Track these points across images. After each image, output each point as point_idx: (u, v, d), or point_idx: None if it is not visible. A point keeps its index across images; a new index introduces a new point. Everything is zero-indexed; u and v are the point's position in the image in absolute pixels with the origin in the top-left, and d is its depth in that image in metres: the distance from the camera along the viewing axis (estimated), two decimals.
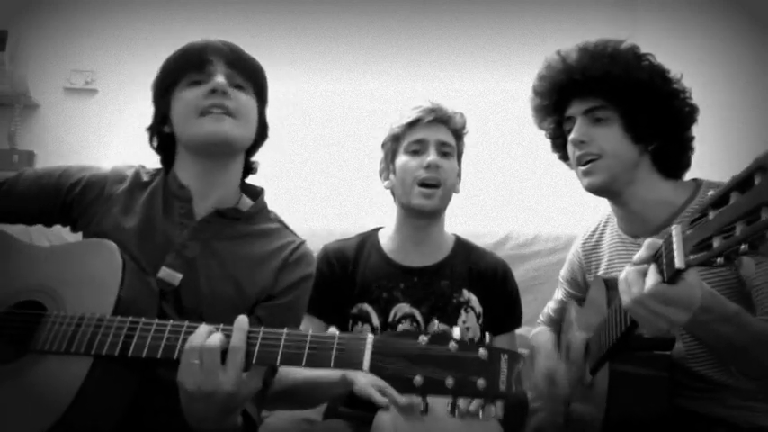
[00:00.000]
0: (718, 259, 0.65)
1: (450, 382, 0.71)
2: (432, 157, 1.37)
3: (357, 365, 0.76)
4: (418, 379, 0.72)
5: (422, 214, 1.40)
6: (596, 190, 1.21)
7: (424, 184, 1.37)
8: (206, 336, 0.82)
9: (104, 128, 2.52)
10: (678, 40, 2.21)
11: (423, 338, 0.74)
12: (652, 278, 0.80)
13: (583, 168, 1.21)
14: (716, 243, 0.65)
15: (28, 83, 2.45)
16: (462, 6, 2.70)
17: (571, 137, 1.22)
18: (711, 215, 0.66)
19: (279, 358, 0.80)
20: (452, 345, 0.73)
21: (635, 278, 0.83)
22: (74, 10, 2.60)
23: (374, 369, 0.74)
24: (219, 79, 1.05)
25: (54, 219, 1.14)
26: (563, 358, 1.41)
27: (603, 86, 1.17)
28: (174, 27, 2.52)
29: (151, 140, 1.15)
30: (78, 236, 1.12)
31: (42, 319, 0.90)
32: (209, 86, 1.05)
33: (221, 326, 0.84)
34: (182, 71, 1.08)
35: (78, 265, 0.96)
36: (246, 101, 1.10)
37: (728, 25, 2.04)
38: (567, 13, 2.63)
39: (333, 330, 0.82)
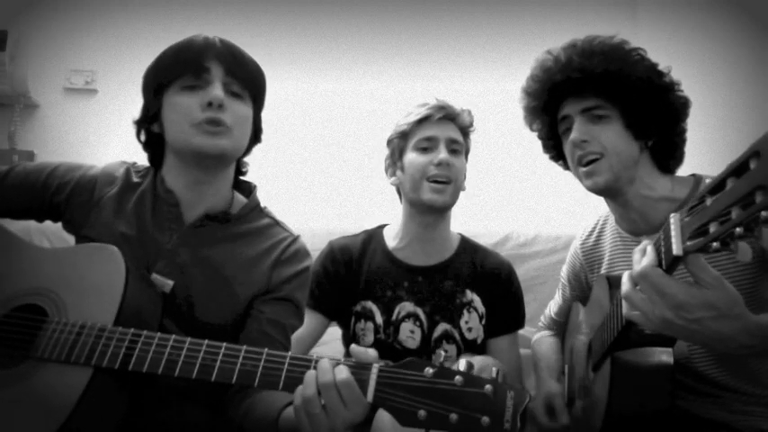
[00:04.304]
0: (714, 244, 0.65)
1: (453, 417, 0.70)
2: (443, 154, 1.36)
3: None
4: (422, 413, 0.71)
5: (432, 210, 1.39)
6: (600, 190, 1.20)
7: (435, 181, 1.36)
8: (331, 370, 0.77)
9: (104, 128, 2.52)
10: (678, 40, 2.21)
11: (428, 371, 0.73)
12: (648, 260, 0.78)
13: (585, 169, 1.19)
14: (712, 228, 0.64)
15: (28, 83, 2.45)
16: (462, 6, 2.70)
17: (571, 137, 1.19)
18: (708, 201, 0.66)
19: (282, 383, 0.79)
20: (458, 379, 0.72)
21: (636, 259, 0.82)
22: (73, 10, 2.59)
23: (378, 400, 0.74)
24: (217, 92, 0.99)
25: (42, 216, 1.12)
26: (567, 361, 1.40)
27: (602, 84, 1.16)
28: (174, 27, 2.51)
29: (138, 135, 1.11)
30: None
31: (44, 325, 0.88)
32: (205, 98, 0.99)
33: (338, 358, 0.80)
34: (177, 73, 1.02)
35: (82, 270, 0.94)
36: (242, 110, 1.05)
37: (728, 25, 2.04)
38: (566, 13, 2.63)
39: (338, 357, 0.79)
